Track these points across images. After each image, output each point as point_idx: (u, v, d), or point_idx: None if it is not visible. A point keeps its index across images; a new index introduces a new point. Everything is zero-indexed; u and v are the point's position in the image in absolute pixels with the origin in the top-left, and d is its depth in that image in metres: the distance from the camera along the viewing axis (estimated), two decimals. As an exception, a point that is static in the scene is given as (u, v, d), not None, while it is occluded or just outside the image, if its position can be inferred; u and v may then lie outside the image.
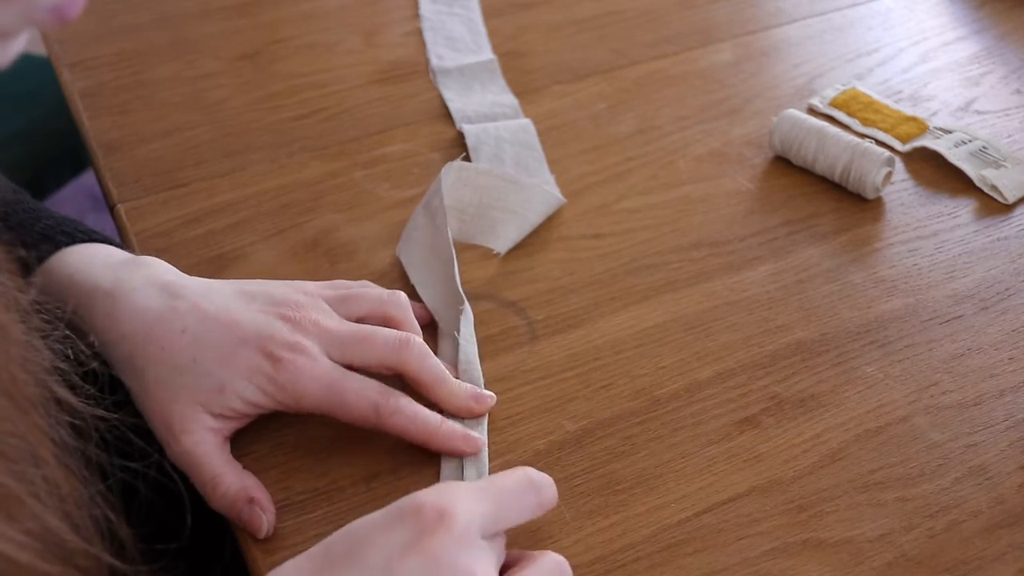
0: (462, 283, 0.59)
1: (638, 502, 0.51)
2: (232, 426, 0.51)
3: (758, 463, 0.53)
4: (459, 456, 0.52)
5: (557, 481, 0.51)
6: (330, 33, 0.82)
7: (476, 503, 0.42)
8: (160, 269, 0.54)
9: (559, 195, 0.66)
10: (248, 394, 0.50)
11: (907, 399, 0.56)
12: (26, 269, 0.52)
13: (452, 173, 0.63)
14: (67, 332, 0.46)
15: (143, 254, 0.63)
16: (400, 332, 0.52)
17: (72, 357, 0.45)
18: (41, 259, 0.54)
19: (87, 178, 1.24)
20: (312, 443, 0.53)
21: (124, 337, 0.51)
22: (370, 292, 0.55)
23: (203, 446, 0.50)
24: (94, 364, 0.47)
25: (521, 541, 0.49)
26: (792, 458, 0.53)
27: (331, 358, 0.51)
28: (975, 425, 0.55)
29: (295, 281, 0.55)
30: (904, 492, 0.52)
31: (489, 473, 0.52)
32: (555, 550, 0.48)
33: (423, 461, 0.52)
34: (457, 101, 0.75)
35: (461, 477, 0.51)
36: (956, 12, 0.85)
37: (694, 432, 0.54)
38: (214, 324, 0.50)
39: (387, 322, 0.54)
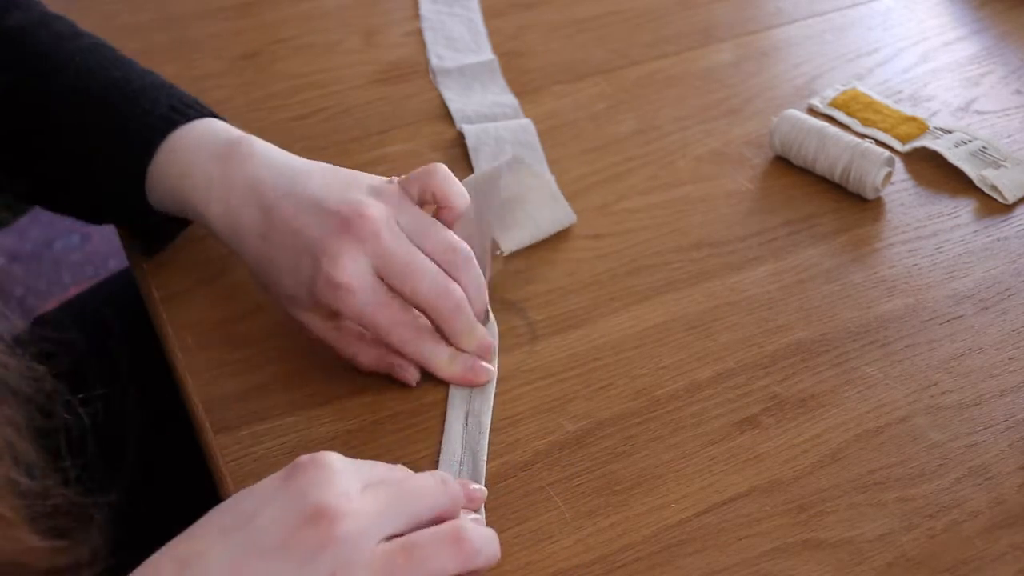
0: None
1: (638, 502, 0.51)
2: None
3: (758, 463, 0.53)
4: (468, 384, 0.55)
5: (557, 482, 0.51)
6: (330, 33, 0.82)
7: (352, 460, 0.44)
8: (255, 164, 0.56)
9: (572, 214, 0.65)
10: (300, 295, 0.54)
11: (907, 399, 0.56)
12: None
13: (508, 163, 0.64)
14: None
15: (143, 256, 0.63)
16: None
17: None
18: (148, 151, 0.58)
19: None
20: (311, 444, 0.53)
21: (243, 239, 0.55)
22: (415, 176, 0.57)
23: (331, 336, 0.55)
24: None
25: (522, 540, 0.49)
26: (792, 458, 0.53)
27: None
28: (975, 425, 0.55)
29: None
30: (904, 492, 0.52)
31: (486, 470, 0.52)
32: (555, 550, 0.49)
33: (421, 462, 0.52)
34: (457, 101, 0.75)
35: (458, 474, 0.52)
36: (956, 12, 0.85)
37: (694, 432, 0.54)
38: (286, 233, 0.54)
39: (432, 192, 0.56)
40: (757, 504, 0.51)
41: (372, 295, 0.52)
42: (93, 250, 1.68)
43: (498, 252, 0.63)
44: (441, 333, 0.55)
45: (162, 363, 0.59)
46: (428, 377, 0.56)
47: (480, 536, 0.44)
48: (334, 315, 0.54)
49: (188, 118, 0.59)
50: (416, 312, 0.54)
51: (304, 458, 0.43)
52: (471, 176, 0.63)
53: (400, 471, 0.46)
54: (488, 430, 0.53)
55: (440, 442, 0.53)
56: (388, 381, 0.56)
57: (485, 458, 0.52)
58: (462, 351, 0.55)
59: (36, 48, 0.62)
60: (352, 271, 0.51)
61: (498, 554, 0.45)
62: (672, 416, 0.55)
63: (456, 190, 0.56)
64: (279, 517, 0.41)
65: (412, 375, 0.56)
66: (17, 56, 0.61)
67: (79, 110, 0.60)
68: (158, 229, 0.62)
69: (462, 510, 0.47)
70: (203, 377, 0.56)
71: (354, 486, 0.42)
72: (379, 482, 0.44)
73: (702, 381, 0.56)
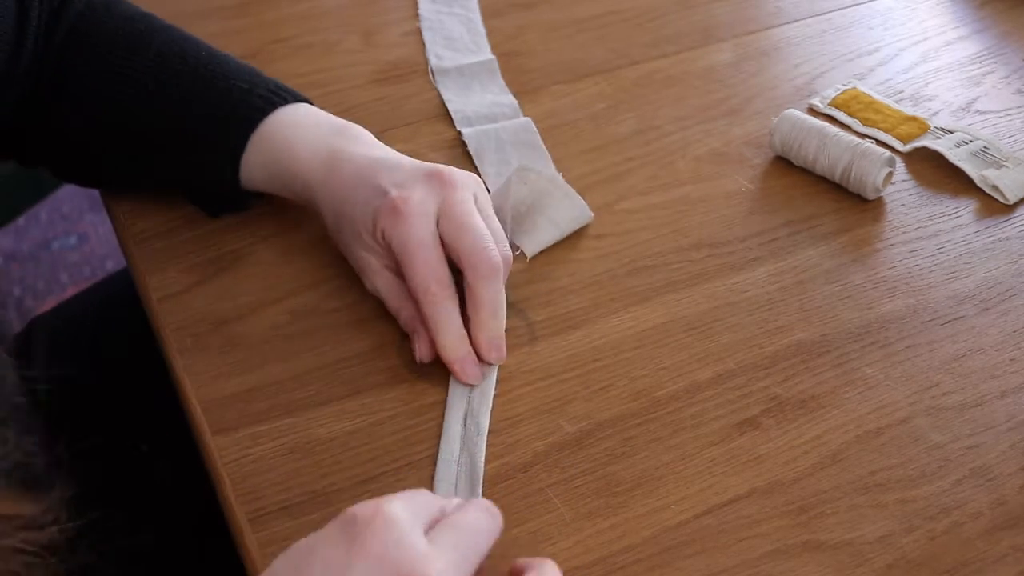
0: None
1: (638, 504, 0.51)
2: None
3: (758, 464, 0.52)
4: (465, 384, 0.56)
5: (557, 483, 0.51)
6: (329, 33, 0.81)
7: (407, 500, 0.42)
8: (365, 142, 0.61)
9: (588, 210, 0.65)
10: (367, 226, 0.56)
11: (908, 400, 0.56)
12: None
13: (516, 173, 0.64)
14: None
15: (141, 255, 0.63)
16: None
17: None
18: (249, 125, 0.61)
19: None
20: (311, 445, 0.53)
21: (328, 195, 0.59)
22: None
23: (381, 284, 0.58)
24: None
25: (521, 541, 0.49)
26: (792, 459, 0.53)
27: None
28: (976, 426, 0.54)
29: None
30: (905, 494, 0.51)
31: (484, 471, 0.52)
32: (554, 552, 0.48)
33: (421, 463, 0.52)
34: (456, 101, 0.75)
35: (455, 479, 0.51)
36: (957, 11, 0.85)
37: (694, 433, 0.54)
38: (368, 172, 0.58)
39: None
40: (757, 505, 0.51)
41: (422, 230, 0.54)
42: (91, 251, 1.68)
43: (518, 252, 0.63)
44: (467, 304, 0.55)
45: (160, 364, 0.59)
46: (428, 378, 0.56)
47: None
48: (389, 261, 0.57)
49: (287, 101, 0.62)
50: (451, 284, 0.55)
51: (365, 512, 0.41)
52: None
53: (447, 502, 0.45)
54: (486, 431, 0.53)
55: (439, 443, 0.53)
56: (387, 382, 0.56)
57: (483, 460, 0.52)
58: (474, 337, 0.55)
59: (116, 19, 0.64)
60: (416, 200, 0.55)
61: None
62: (672, 417, 0.55)
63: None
64: None
65: (423, 351, 0.56)
66: (96, 30, 0.63)
67: (174, 80, 0.62)
68: (232, 200, 0.65)
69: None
70: (201, 378, 0.56)
71: (423, 539, 0.41)
72: (439, 523, 0.43)
73: (702, 382, 0.56)
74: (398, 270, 0.56)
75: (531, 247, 0.63)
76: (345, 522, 0.41)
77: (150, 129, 0.62)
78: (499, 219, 0.59)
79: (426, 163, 0.58)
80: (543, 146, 0.70)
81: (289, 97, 0.62)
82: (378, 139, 0.62)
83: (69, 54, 0.62)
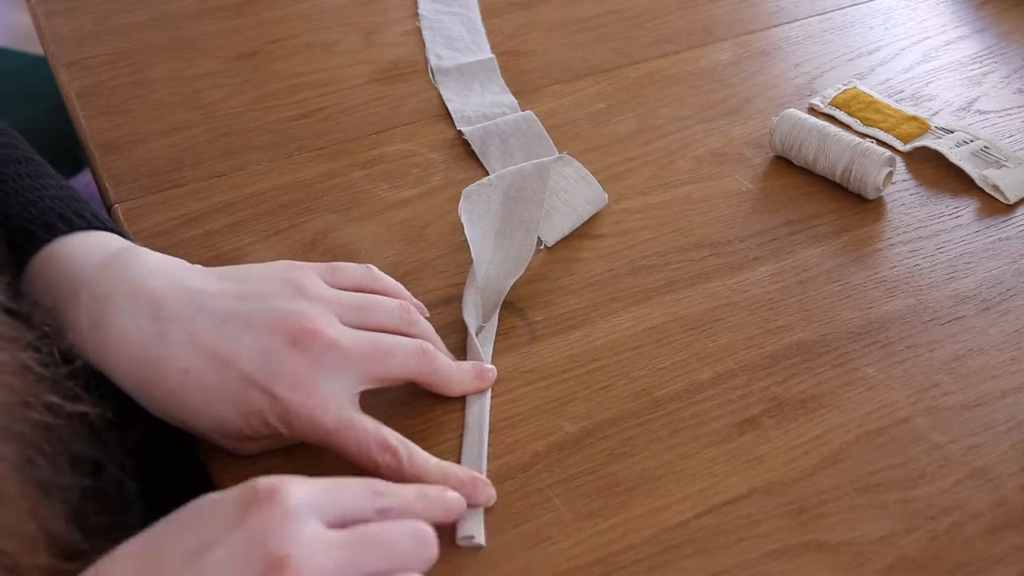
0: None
1: (638, 504, 0.51)
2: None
3: (758, 464, 0.52)
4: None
5: (557, 483, 0.51)
6: (328, 32, 0.81)
7: (311, 487, 0.42)
8: (144, 271, 0.51)
9: (604, 194, 0.65)
10: (264, 430, 0.49)
11: (908, 400, 0.56)
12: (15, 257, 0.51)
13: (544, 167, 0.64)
14: (46, 330, 0.45)
15: None
16: (416, 341, 0.52)
17: (53, 355, 0.45)
18: (35, 248, 0.52)
19: (84, 178, 1.24)
20: (310, 445, 0.53)
21: (117, 363, 0.49)
22: (384, 305, 0.53)
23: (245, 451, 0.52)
24: (78, 363, 0.47)
25: (521, 542, 0.49)
26: (793, 459, 0.53)
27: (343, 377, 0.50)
28: (976, 426, 0.54)
29: (291, 269, 0.53)
30: (905, 494, 0.51)
31: (487, 471, 0.51)
32: (554, 551, 0.48)
33: (422, 462, 0.52)
34: (456, 101, 0.74)
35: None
36: (957, 11, 0.85)
37: (694, 433, 0.54)
38: (215, 361, 0.48)
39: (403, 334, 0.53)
40: (757, 505, 0.51)
41: (354, 418, 0.49)
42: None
43: (541, 247, 0.63)
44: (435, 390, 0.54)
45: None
46: (427, 378, 0.56)
47: None
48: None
49: (73, 228, 0.53)
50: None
51: (263, 487, 0.41)
52: (508, 169, 0.63)
53: (382, 504, 0.44)
54: (488, 433, 0.53)
55: (461, 441, 0.53)
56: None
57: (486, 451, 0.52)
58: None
59: None
60: (330, 397, 0.48)
61: None
62: (672, 417, 0.54)
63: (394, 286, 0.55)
64: (232, 561, 0.39)
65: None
66: None
67: None
68: None
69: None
70: (200, 378, 0.56)
71: (315, 531, 0.41)
72: (345, 522, 0.42)
73: (702, 382, 0.56)
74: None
75: (552, 236, 0.63)
76: (246, 489, 0.42)
77: None
78: (531, 216, 0.59)
79: (257, 318, 0.49)
80: (547, 134, 0.70)
81: (78, 224, 0.53)
82: (378, 139, 0.62)
83: None
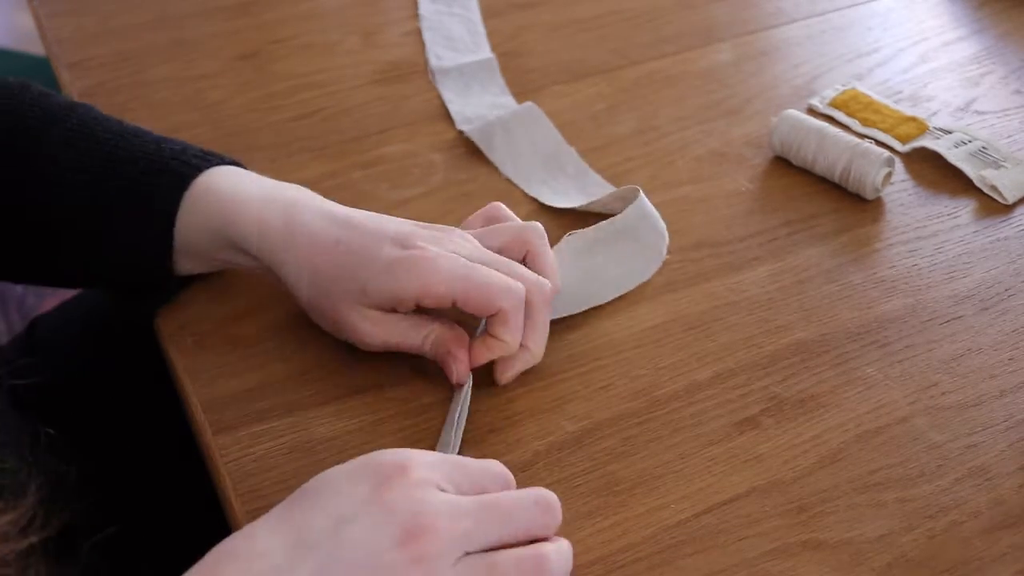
0: None
1: (638, 503, 0.51)
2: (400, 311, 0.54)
3: (758, 464, 0.53)
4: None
5: (557, 482, 0.51)
6: (329, 33, 0.81)
7: (435, 460, 0.44)
8: (313, 197, 0.57)
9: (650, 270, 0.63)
10: (386, 286, 0.52)
11: (907, 400, 0.56)
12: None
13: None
14: None
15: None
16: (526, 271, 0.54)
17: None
18: (181, 185, 0.56)
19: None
20: (311, 444, 0.53)
21: (303, 252, 0.54)
22: (510, 224, 0.57)
23: (374, 338, 0.54)
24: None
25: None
26: (792, 459, 0.53)
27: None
28: (975, 426, 0.55)
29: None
30: (904, 493, 0.51)
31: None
32: (554, 551, 0.48)
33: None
34: (456, 102, 0.75)
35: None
36: (956, 12, 0.85)
37: (694, 433, 0.54)
38: (363, 231, 0.54)
39: (526, 248, 0.56)
40: (757, 505, 0.51)
41: (456, 263, 0.52)
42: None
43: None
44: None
45: (161, 364, 0.59)
46: (428, 378, 0.56)
47: (561, 567, 0.43)
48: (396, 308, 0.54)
49: (221, 163, 0.57)
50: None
51: (390, 462, 0.43)
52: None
53: (496, 477, 0.45)
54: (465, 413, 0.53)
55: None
56: (387, 381, 0.56)
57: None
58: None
59: (27, 99, 0.58)
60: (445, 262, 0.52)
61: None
62: (671, 416, 0.55)
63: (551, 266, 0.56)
64: (369, 539, 0.41)
65: (461, 372, 0.54)
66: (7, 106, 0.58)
67: (86, 156, 0.56)
68: (157, 287, 0.59)
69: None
70: (202, 378, 0.56)
71: (447, 500, 0.42)
72: (473, 489, 0.44)
73: (702, 381, 0.56)
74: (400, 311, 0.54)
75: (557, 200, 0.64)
76: (372, 464, 0.43)
77: (66, 197, 0.56)
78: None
79: (387, 225, 0.55)
80: (549, 122, 0.71)
81: (220, 160, 0.58)
82: (378, 139, 0.62)
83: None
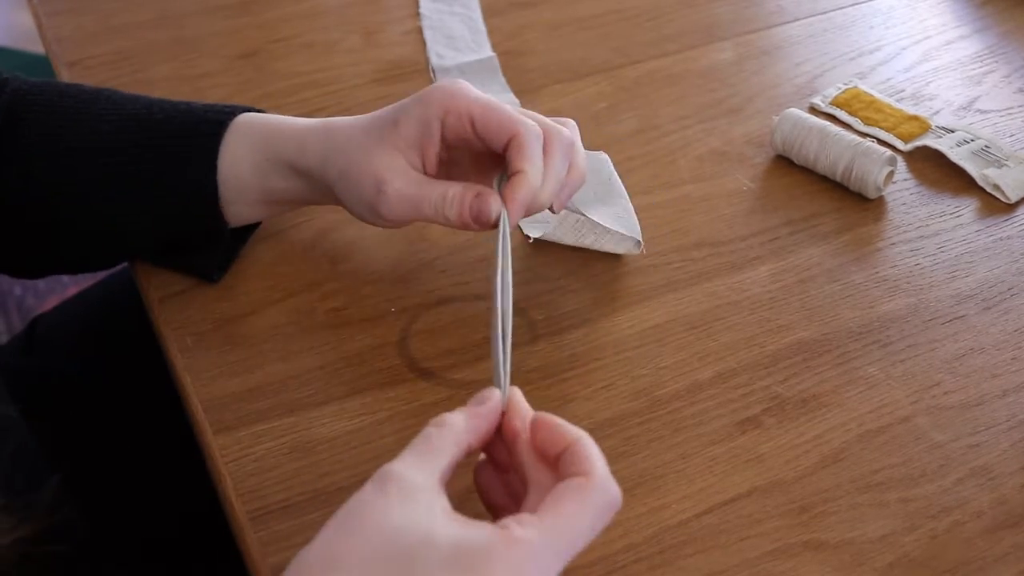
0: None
1: (639, 503, 0.51)
2: (430, 153, 0.54)
3: (759, 463, 0.52)
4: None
5: (557, 482, 0.51)
6: (330, 32, 0.81)
7: (554, 538, 0.40)
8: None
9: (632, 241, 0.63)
10: (414, 111, 0.53)
11: (909, 399, 0.56)
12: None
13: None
14: None
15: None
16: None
17: None
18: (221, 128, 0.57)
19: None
20: (312, 444, 0.53)
21: (345, 156, 0.55)
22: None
23: (401, 195, 0.54)
24: None
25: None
26: (793, 458, 0.53)
27: None
28: (977, 425, 0.54)
29: None
30: (906, 493, 0.51)
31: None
32: (555, 551, 0.48)
33: (423, 462, 0.52)
34: (457, 100, 0.74)
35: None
36: (958, 10, 0.85)
37: (695, 432, 0.54)
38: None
39: None
40: (758, 504, 0.51)
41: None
42: (93, 250, 1.67)
43: (530, 241, 0.63)
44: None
45: (161, 364, 0.59)
46: (428, 378, 0.56)
47: None
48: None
49: (243, 110, 0.59)
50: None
51: (497, 541, 0.38)
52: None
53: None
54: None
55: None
56: (387, 381, 0.56)
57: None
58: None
59: (57, 88, 0.60)
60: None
61: None
62: (673, 416, 0.55)
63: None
64: None
65: (495, 206, 0.53)
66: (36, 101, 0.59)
67: (132, 120, 0.58)
68: (214, 239, 0.60)
69: None
70: (202, 378, 0.56)
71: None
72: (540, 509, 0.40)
73: (703, 381, 0.56)
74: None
75: (535, 230, 0.63)
76: (481, 562, 0.38)
77: (118, 154, 0.57)
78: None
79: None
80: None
81: (248, 108, 0.60)
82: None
83: (8, 133, 0.58)
